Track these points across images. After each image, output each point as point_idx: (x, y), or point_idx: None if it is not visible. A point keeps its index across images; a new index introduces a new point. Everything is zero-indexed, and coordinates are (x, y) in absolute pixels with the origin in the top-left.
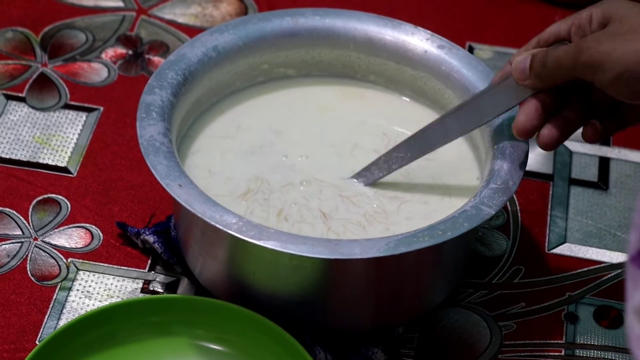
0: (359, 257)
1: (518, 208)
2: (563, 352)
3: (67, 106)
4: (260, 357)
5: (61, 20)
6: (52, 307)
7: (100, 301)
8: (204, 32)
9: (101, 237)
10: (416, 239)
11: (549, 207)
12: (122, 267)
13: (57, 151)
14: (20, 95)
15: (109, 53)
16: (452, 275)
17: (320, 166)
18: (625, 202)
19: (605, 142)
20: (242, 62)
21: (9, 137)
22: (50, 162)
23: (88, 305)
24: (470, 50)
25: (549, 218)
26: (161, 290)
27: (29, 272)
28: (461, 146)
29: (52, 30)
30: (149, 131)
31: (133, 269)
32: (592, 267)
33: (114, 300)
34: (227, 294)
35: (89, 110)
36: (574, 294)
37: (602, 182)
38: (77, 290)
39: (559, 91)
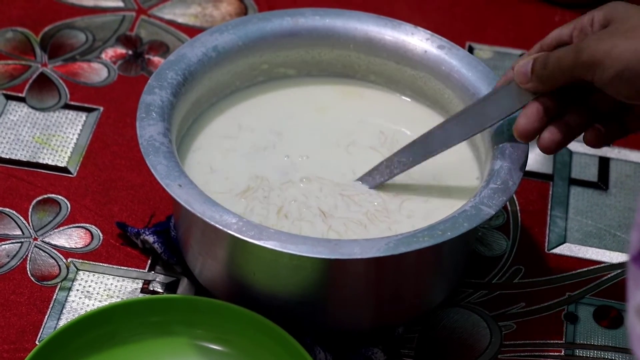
0: (358, 257)
1: (518, 208)
2: (563, 352)
3: (67, 106)
4: (260, 357)
5: (61, 20)
6: (52, 307)
7: (100, 301)
8: (204, 32)
9: (101, 237)
10: (416, 239)
11: (549, 207)
12: (122, 267)
13: (57, 151)
14: (20, 95)
15: (109, 53)
16: (452, 275)
17: (320, 165)
18: (625, 202)
19: None
20: (242, 62)
21: (9, 137)
22: (50, 162)
23: (88, 305)
24: (470, 50)
25: (548, 218)
26: (161, 290)
27: (28, 272)
28: (461, 146)
29: (52, 30)
30: (148, 131)
31: (133, 269)
32: (592, 267)
33: (114, 300)
34: (227, 294)
35: (88, 110)
36: (574, 294)
37: (602, 182)
38: (77, 290)
39: (561, 96)
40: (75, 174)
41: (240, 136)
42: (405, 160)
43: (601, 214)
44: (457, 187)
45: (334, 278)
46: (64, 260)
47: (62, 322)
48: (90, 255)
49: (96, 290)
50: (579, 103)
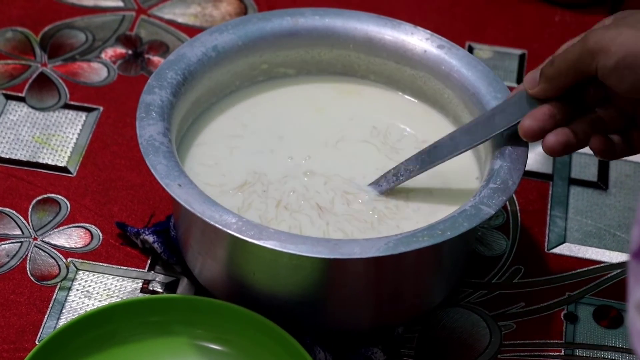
0: (358, 256)
1: (518, 208)
2: (562, 351)
3: (67, 106)
4: (260, 357)
5: (61, 20)
6: (51, 307)
7: (99, 301)
8: (204, 31)
9: (101, 237)
10: (415, 238)
11: (549, 206)
12: (122, 267)
13: (56, 151)
14: (19, 95)
15: (109, 53)
16: (451, 275)
17: (320, 165)
18: (625, 201)
19: None
20: (241, 61)
21: (9, 137)
22: (49, 162)
23: (88, 305)
24: (470, 50)
25: (548, 218)
26: (161, 290)
27: (28, 272)
28: None
29: (51, 30)
30: (148, 131)
31: (133, 268)
32: (591, 267)
33: (114, 300)
34: (226, 293)
35: (88, 110)
36: (574, 293)
37: (601, 182)
38: (77, 290)
39: (568, 104)
40: (75, 174)
41: (240, 135)
42: (412, 168)
43: (601, 213)
44: (456, 186)
45: (334, 278)
46: (64, 260)
47: (62, 322)
48: (90, 255)
49: (96, 290)
50: (586, 113)
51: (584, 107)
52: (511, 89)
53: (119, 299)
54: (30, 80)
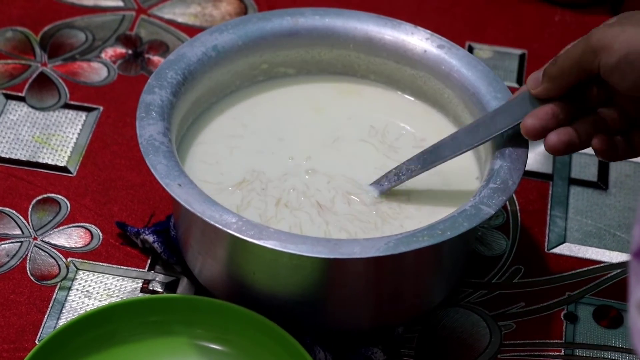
0: (358, 256)
1: (518, 208)
2: (562, 351)
3: (67, 106)
4: (260, 357)
5: (61, 19)
6: (51, 306)
7: (99, 301)
8: (204, 31)
9: (101, 237)
10: (415, 238)
11: (549, 206)
12: (122, 267)
13: (56, 151)
14: (19, 94)
15: (109, 52)
16: (451, 275)
17: (320, 164)
18: (625, 201)
19: None
20: (241, 61)
21: (9, 137)
22: (49, 162)
23: (87, 304)
24: (470, 50)
25: (548, 218)
26: (161, 290)
27: (28, 271)
28: None
29: (51, 30)
30: (148, 131)
31: (133, 268)
32: (591, 267)
33: (114, 299)
34: (226, 293)
35: (88, 109)
36: (574, 293)
37: (601, 182)
38: (77, 289)
39: (570, 105)
40: (75, 174)
41: (240, 135)
42: (414, 167)
43: (601, 213)
44: (456, 186)
45: (334, 278)
46: (64, 259)
47: (62, 322)
48: (90, 255)
49: (96, 289)
50: (588, 114)
51: (586, 108)
52: (511, 88)
53: (119, 299)
54: (30, 80)
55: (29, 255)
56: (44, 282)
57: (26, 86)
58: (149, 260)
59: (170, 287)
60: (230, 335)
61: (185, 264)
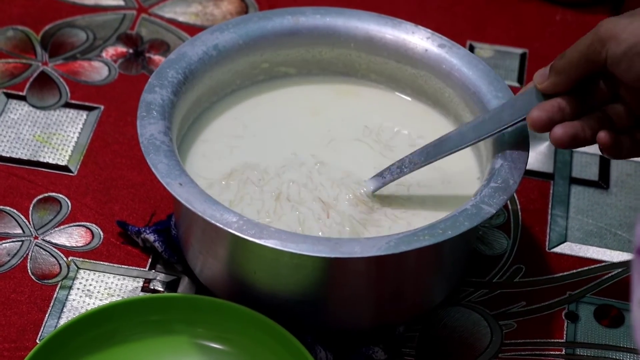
0: (359, 256)
1: (519, 207)
2: (563, 351)
3: (68, 105)
4: (261, 356)
5: (62, 18)
6: (52, 305)
7: (100, 300)
8: (205, 30)
9: (102, 236)
10: (416, 237)
11: (550, 206)
12: (123, 266)
13: (57, 150)
14: (20, 93)
15: (110, 52)
16: (452, 274)
17: (320, 164)
18: (626, 201)
19: None
20: (242, 60)
21: (10, 136)
22: (50, 161)
23: (88, 304)
24: (471, 49)
25: (549, 217)
26: (162, 289)
27: (29, 270)
28: None
29: (52, 29)
30: (149, 130)
31: (133, 267)
32: (592, 266)
33: (115, 299)
34: (227, 292)
35: (89, 108)
36: (575, 293)
37: (602, 181)
38: (78, 289)
39: (577, 99)
40: (75, 173)
41: (240, 135)
42: (417, 160)
43: (602, 212)
44: (457, 186)
45: (335, 277)
46: (65, 258)
47: (63, 321)
48: (91, 254)
49: (97, 289)
50: (594, 111)
51: (593, 104)
52: (512, 88)
53: (119, 298)
54: (31, 79)
55: (29, 254)
56: (45, 281)
57: (27, 85)
58: (150, 260)
59: (171, 286)
60: (231, 335)
61: (186, 263)
